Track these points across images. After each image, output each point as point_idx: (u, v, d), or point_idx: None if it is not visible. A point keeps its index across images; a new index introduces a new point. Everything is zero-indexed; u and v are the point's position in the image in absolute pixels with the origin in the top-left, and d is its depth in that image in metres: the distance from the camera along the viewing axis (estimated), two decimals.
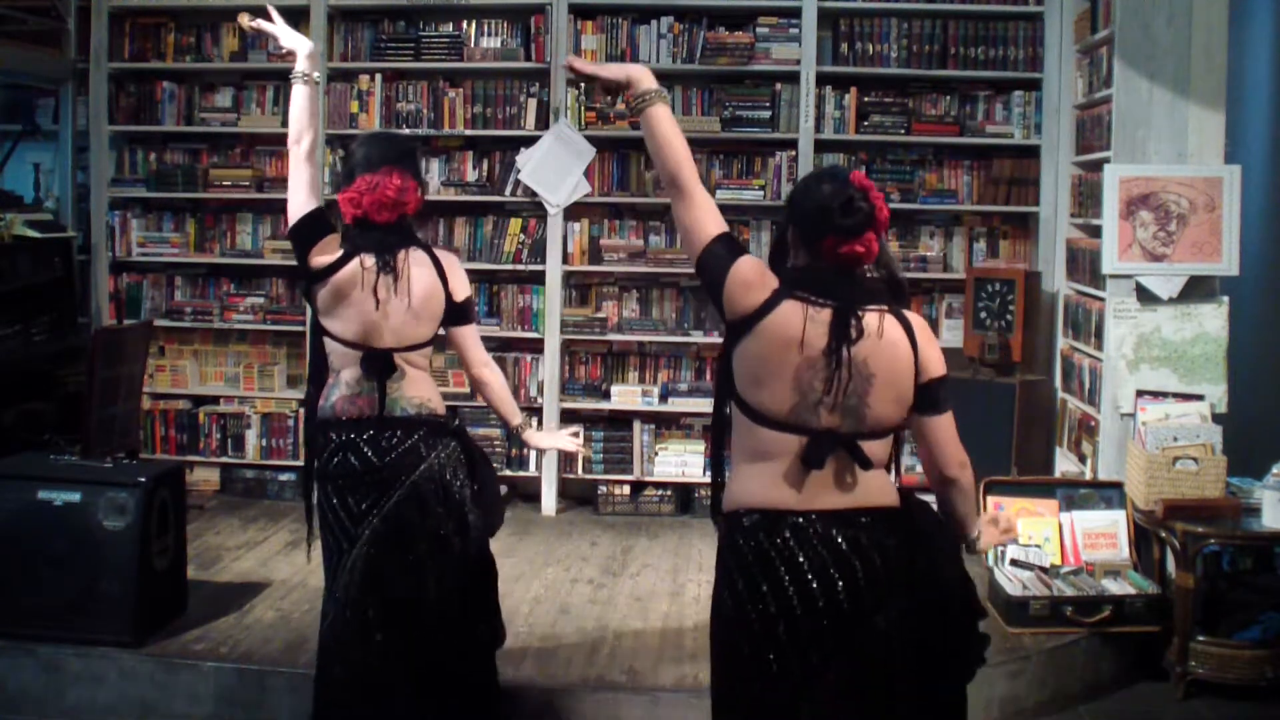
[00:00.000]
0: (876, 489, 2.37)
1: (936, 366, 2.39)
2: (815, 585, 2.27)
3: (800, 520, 2.31)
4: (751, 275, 2.35)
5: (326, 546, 3.23)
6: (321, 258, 3.14)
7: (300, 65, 3.24)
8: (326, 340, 3.22)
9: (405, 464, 3.15)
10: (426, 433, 3.20)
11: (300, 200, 3.16)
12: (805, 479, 2.32)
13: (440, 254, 3.28)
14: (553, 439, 3.76)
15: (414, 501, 3.15)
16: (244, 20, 3.41)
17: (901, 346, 2.34)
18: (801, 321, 2.29)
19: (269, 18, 3.35)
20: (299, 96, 3.23)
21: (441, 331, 3.33)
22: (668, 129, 2.41)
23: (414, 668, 3.16)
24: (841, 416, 2.31)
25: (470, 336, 3.37)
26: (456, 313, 3.31)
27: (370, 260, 3.14)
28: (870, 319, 2.31)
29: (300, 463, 5.95)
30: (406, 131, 5.95)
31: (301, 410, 6.00)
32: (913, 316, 2.40)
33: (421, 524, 3.15)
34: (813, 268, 2.37)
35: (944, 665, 2.40)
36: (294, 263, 3.31)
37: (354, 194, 3.15)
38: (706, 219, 2.41)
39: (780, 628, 2.30)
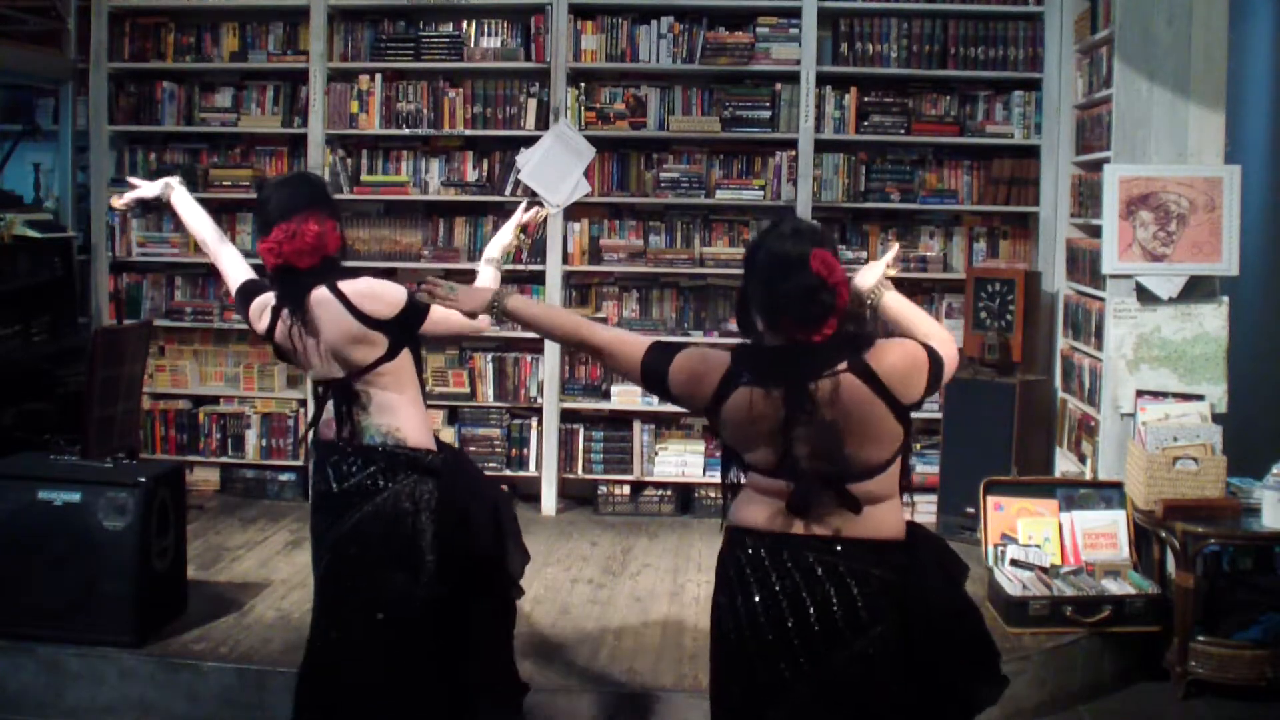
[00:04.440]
0: (874, 522, 2.36)
1: (916, 389, 2.36)
2: (785, 604, 2.33)
3: (781, 543, 2.36)
4: (693, 365, 2.40)
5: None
6: (260, 323, 3.18)
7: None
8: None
9: (357, 494, 3.05)
10: (385, 466, 3.05)
11: (236, 274, 3.32)
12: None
13: (347, 286, 3.04)
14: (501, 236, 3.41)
15: (356, 537, 3.05)
16: (115, 202, 3.60)
17: (864, 401, 2.29)
18: (758, 406, 2.30)
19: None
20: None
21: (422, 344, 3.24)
22: (538, 313, 2.76)
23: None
24: (824, 463, 2.31)
25: (434, 329, 3.13)
26: (400, 327, 3.08)
27: (285, 312, 3.10)
28: (824, 388, 2.27)
29: (300, 463, 5.97)
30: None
31: (301, 410, 6.02)
32: (876, 357, 2.31)
33: (359, 559, 3.05)
34: (764, 344, 2.38)
35: (947, 696, 2.42)
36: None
37: (272, 244, 3.04)
38: (626, 346, 2.50)
39: (750, 637, 2.37)
